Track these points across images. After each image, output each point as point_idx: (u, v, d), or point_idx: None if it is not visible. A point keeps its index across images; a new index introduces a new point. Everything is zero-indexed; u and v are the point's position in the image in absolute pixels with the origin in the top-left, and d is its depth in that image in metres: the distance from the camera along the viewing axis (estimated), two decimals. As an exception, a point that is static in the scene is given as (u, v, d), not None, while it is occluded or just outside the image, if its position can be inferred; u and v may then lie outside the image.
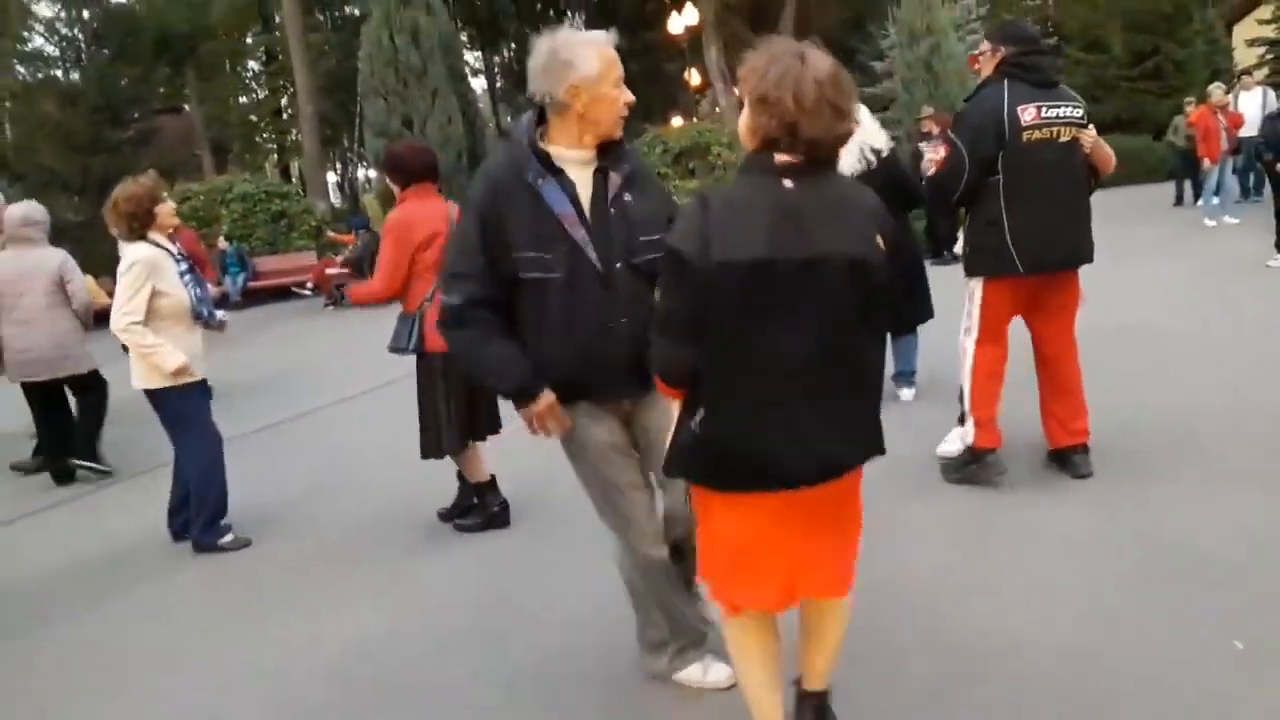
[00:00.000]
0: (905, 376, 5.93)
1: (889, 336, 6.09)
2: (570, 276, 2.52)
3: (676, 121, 27.41)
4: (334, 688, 3.18)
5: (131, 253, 4.50)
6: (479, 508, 4.58)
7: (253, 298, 17.24)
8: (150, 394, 4.57)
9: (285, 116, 37.62)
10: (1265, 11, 22.72)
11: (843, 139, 2.08)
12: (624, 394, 2.65)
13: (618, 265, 2.55)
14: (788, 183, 2.05)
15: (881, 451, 2.21)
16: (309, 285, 16.91)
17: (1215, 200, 12.54)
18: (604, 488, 2.68)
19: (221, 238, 17.53)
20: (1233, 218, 12.37)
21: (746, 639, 2.32)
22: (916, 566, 3.54)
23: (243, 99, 38.03)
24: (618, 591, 2.93)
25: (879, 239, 2.09)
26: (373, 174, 34.17)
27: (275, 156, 41.16)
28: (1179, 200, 15.05)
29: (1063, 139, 3.97)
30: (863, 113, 6.09)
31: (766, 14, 30.43)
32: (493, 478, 4.57)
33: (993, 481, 4.25)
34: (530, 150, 2.55)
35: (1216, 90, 12.53)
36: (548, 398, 2.56)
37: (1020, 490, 4.18)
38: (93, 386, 6.39)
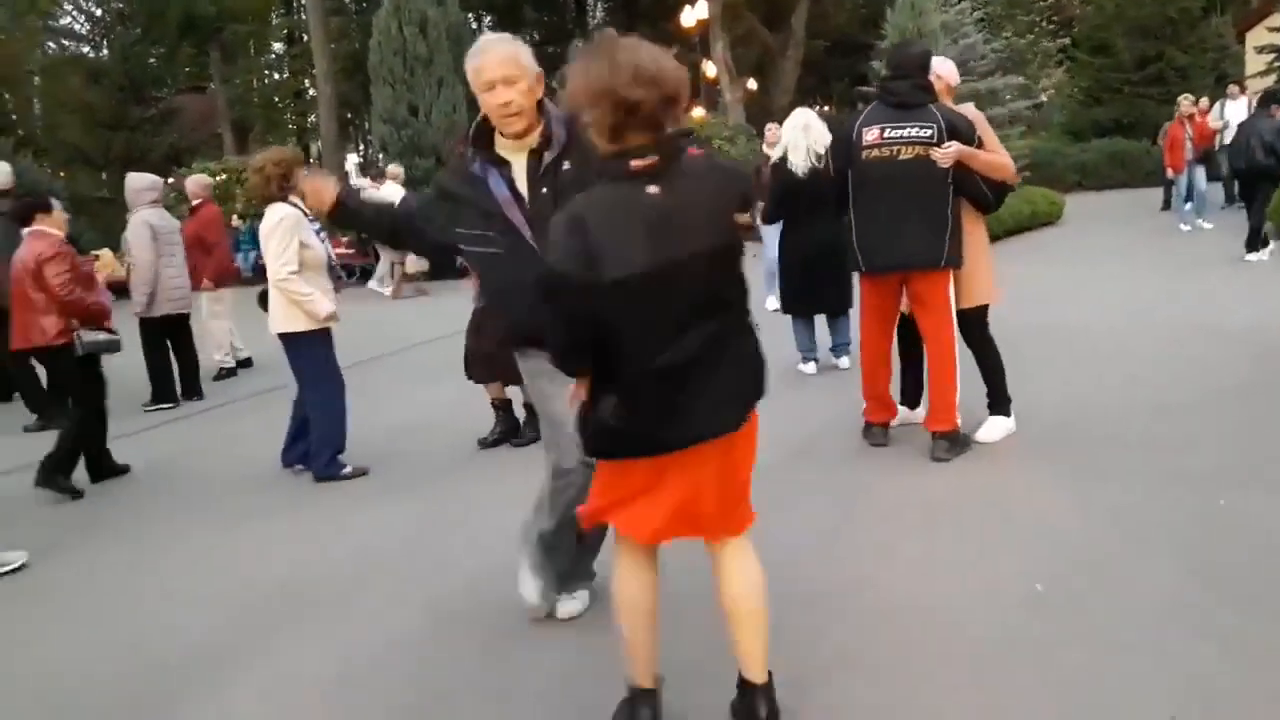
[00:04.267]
0: (842, 347, 6.72)
1: (826, 318, 6.68)
2: (512, 256, 2.86)
3: (698, 112, 27.77)
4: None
5: (276, 211, 5.09)
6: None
7: (264, 274, 17.75)
8: (289, 337, 5.13)
9: (307, 98, 38.21)
10: (1277, 19, 22.80)
11: (671, 104, 2.22)
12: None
13: None
14: (651, 189, 2.22)
15: (761, 395, 2.44)
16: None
17: (1187, 206, 12.87)
18: (553, 416, 2.95)
19: (236, 216, 18.10)
20: (1207, 223, 12.69)
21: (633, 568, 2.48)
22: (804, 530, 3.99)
23: (265, 80, 38.64)
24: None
25: (734, 215, 2.38)
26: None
27: (296, 138, 41.80)
28: (1166, 204, 15.37)
29: (903, 156, 4.42)
30: (811, 116, 6.61)
31: (780, 10, 30.68)
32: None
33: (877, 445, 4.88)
34: (477, 139, 2.93)
35: (1184, 101, 12.88)
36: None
37: (898, 461, 4.67)
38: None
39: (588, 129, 2.31)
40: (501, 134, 2.89)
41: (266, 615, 3.66)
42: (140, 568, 4.31)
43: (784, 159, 6.38)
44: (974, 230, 4.69)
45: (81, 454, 5.56)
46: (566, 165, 2.86)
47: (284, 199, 5.15)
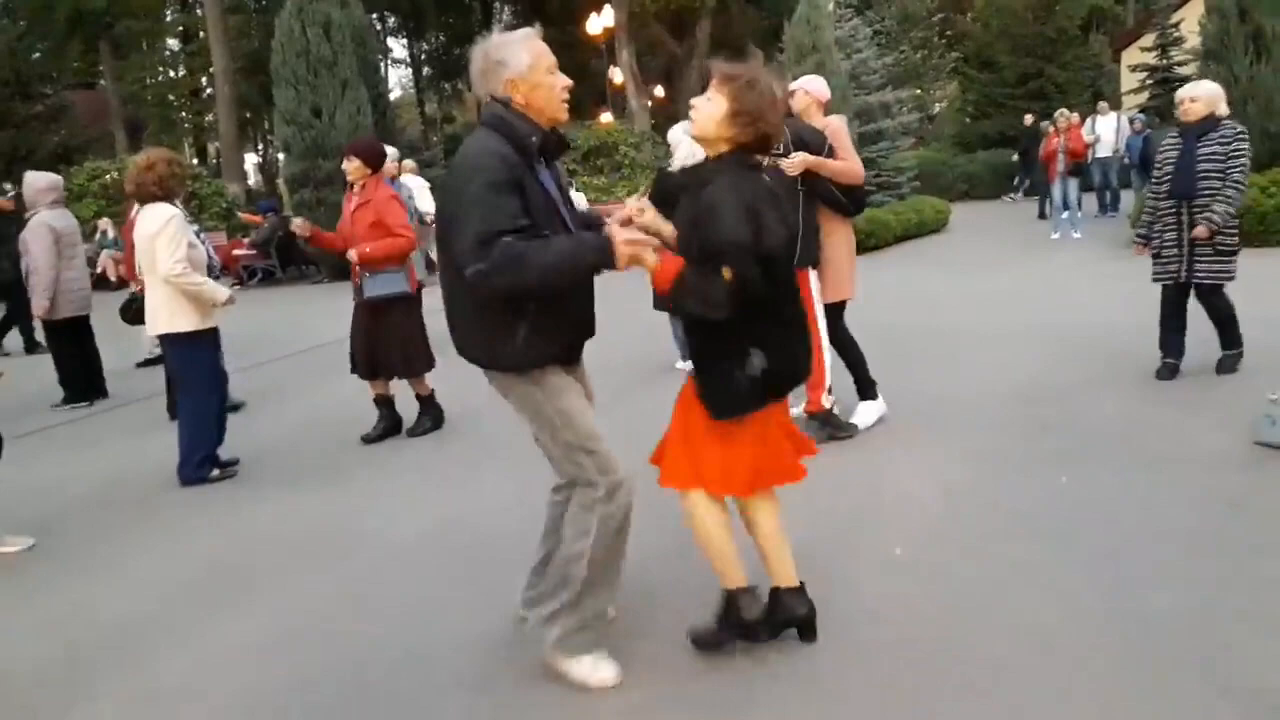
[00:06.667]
0: None
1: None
2: None
3: (606, 118, 28.11)
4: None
5: (163, 210, 5.13)
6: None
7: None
8: (174, 339, 5.17)
9: (204, 97, 37.29)
10: (1149, 40, 24.30)
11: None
12: (579, 357, 3.03)
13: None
14: (765, 179, 2.81)
15: None
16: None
17: (1064, 215, 13.73)
18: (583, 437, 2.82)
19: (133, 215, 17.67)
20: (1076, 232, 13.55)
21: (715, 502, 2.90)
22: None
23: (160, 78, 37.54)
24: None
25: None
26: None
27: (193, 137, 40.69)
28: (1042, 214, 16.32)
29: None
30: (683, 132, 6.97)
31: (686, 20, 31.28)
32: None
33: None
34: (539, 136, 2.76)
35: (1060, 117, 13.74)
36: (623, 233, 2.69)
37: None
38: None
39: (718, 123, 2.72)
40: (541, 122, 2.80)
41: (189, 597, 3.82)
42: (58, 554, 4.38)
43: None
44: (835, 232, 5.09)
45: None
46: (557, 163, 2.97)
47: (167, 199, 5.23)
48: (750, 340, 2.73)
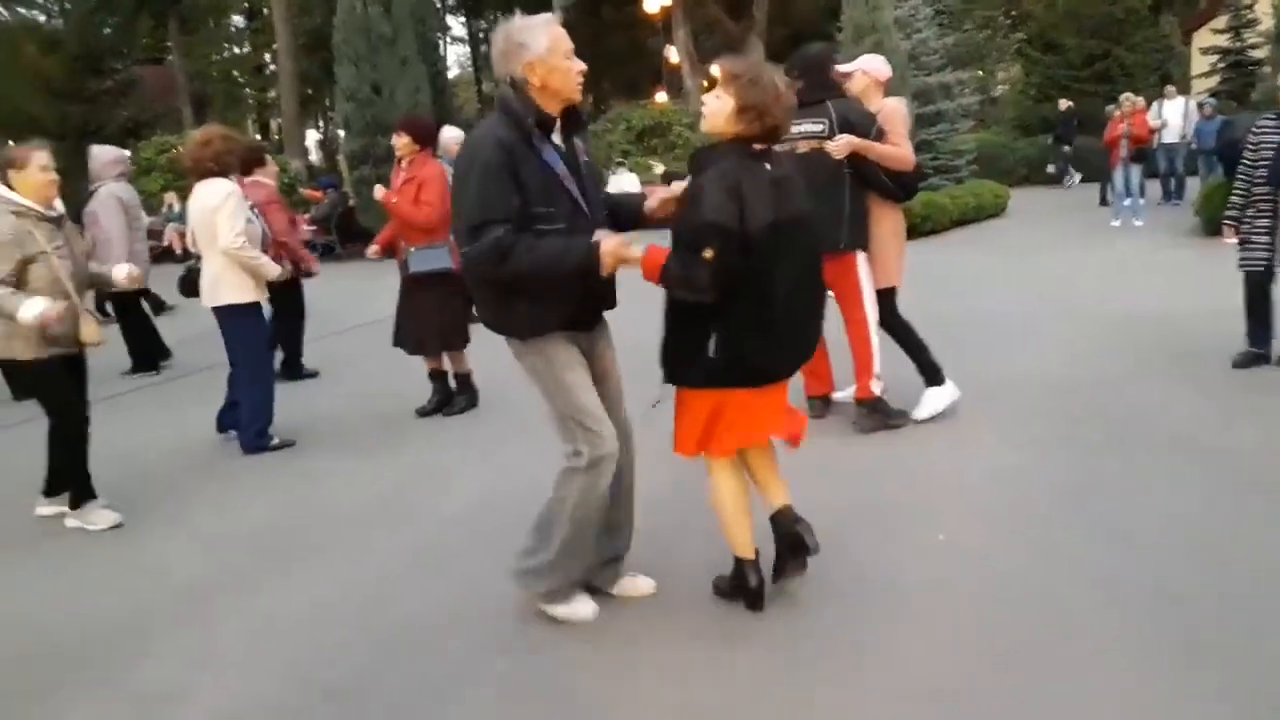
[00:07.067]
0: None
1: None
2: (572, 227, 2.93)
3: (661, 97, 28.06)
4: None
5: (222, 185, 5.27)
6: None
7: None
8: (230, 310, 5.34)
9: (267, 73, 37.90)
10: (1221, 22, 23.59)
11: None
12: (591, 325, 3.16)
13: (601, 214, 3.08)
14: (766, 165, 2.92)
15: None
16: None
17: (1126, 202, 13.44)
18: (576, 408, 2.99)
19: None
20: (1138, 220, 13.27)
21: (732, 474, 3.14)
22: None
23: (225, 54, 38.23)
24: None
25: None
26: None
27: (256, 113, 41.41)
28: (1104, 200, 15.97)
29: (800, 150, 4.74)
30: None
31: (742, 0, 31.03)
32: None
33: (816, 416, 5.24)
34: (536, 116, 2.90)
35: (1126, 101, 13.41)
36: (609, 241, 2.87)
37: (831, 429, 5.07)
38: None
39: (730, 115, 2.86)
40: (552, 105, 2.95)
41: (251, 561, 3.99)
42: (129, 518, 4.56)
43: None
44: (884, 218, 5.01)
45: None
46: (585, 158, 3.10)
47: (223, 175, 5.36)
48: (717, 324, 2.87)
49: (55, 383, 4.32)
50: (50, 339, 4.17)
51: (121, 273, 4.48)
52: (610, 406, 3.12)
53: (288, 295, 6.79)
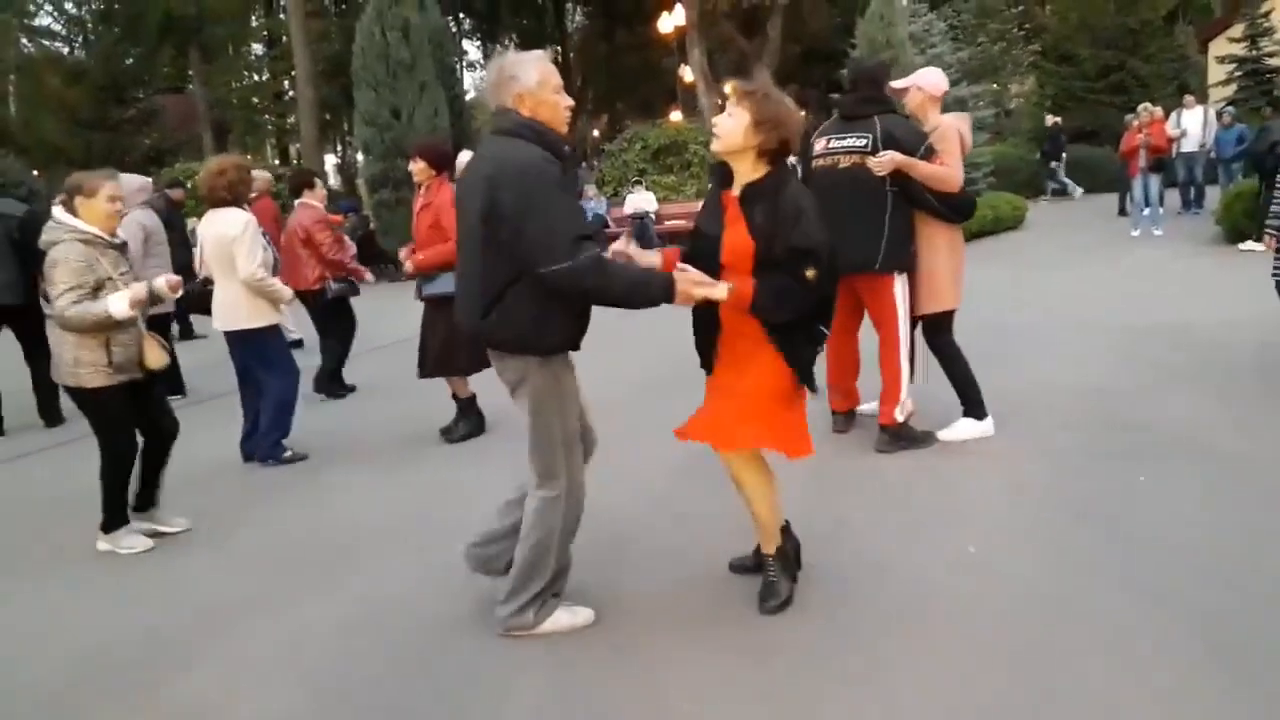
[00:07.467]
0: None
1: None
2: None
3: (676, 116, 28.16)
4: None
5: (238, 215, 5.36)
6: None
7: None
8: (255, 333, 5.46)
9: (286, 100, 38.32)
10: (1238, 30, 23.51)
11: None
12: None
13: None
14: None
15: None
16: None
17: (1145, 212, 13.39)
18: (568, 433, 3.13)
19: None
20: (1158, 229, 13.21)
21: (767, 472, 3.26)
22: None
23: (245, 82, 38.70)
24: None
25: None
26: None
27: (275, 139, 41.86)
28: (1122, 210, 15.91)
29: (842, 165, 4.73)
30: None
31: (757, 17, 31.17)
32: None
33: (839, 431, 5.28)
34: (568, 148, 3.04)
35: (1143, 111, 13.38)
36: (684, 279, 2.94)
37: (855, 445, 5.08)
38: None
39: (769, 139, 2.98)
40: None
41: (280, 575, 4.03)
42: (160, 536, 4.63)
43: None
44: (936, 236, 4.83)
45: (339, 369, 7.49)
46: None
47: (236, 204, 5.43)
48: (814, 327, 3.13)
49: (118, 411, 4.37)
50: (116, 366, 4.25)
51: (161, 283, 4.56)
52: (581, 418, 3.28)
53: (340, 309, 7.23)
